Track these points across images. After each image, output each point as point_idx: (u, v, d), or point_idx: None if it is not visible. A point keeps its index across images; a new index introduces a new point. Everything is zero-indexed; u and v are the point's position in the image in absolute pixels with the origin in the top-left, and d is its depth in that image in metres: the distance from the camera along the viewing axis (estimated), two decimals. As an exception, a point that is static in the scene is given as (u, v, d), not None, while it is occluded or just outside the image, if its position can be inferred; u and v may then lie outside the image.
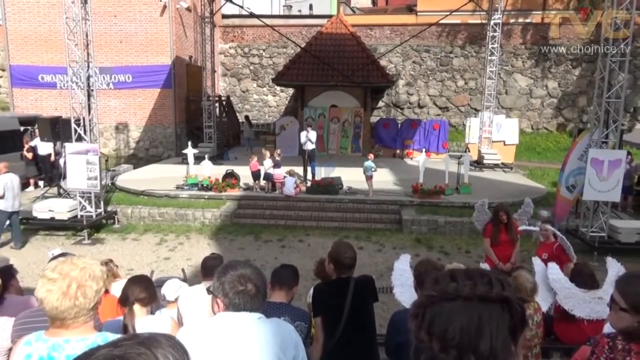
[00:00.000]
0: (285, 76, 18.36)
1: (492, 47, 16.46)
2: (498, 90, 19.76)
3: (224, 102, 21.07)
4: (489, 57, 16.62)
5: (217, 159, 16.71)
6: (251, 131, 20.09)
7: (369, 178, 11.81)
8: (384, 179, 13.51)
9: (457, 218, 10.81)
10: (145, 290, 3.19)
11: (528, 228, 6.07)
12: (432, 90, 23.04)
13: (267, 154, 12.49)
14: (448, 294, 0.94)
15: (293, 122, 18.88)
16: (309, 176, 13.20)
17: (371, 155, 12.08)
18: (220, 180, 12.41)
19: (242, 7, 24.39)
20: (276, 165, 12.11)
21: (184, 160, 15.12)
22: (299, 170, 13.28)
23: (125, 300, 3.08)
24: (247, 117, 20.96)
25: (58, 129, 11.99)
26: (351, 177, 13.05)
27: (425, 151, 14.12)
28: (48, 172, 13.83)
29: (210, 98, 17.84)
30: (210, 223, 11.15)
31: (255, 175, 12.41)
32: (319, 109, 18.95)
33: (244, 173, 12.99)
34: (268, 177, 12.34)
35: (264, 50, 24.09)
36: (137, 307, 3.08)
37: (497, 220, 6.02)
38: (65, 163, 10.75)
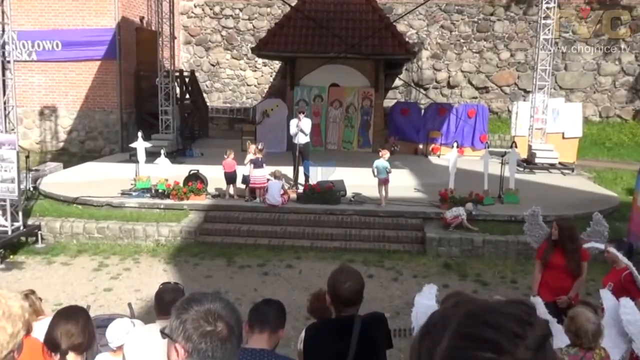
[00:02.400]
0: (270, 45, 18.38)
1: (547, 7, 16.54)
2: (555, 65, 19.85)
3: (187, 79, 21.08)
4: (543, 21, 16.69)
5: (177, 155, 16.70)
6: (179, 118, 19.60)
7: (382, 182, 11.83)
8: (401, 183, 13.52)
9: (499, 236, 10.82)
10: (81, 332, 3.14)
11: (595, 245, 6.07)
12: (466, 65, 23.12)
13: (252, 148, 12.49)
14: None
15: (280, 107, 18.89)
16: (301, 179, 13.20)
17: (384, 152, 12.10)
18: (182, 184, 12.40)
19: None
20: (256, 164, 12.11)
21: (132, 157, 15.07)
22: (288, 171, 13.27)
23: (55, 347, 3.05)
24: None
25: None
26: (357, 180, 13.02)
27: (457, 146, 14.15)
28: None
29: (169, 73, 17.83)
30: (167, 242, 11.13)
31: (230, 177, 12.41)
32: (314, 88, 18.99)
33: (213, 174, 12.93)
34: (245, 180, 12.33)
35: (240, 10, 24.15)
36: (70, 356, 3.05)
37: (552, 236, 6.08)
38: (-29, 160, 10.71)
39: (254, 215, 11.83)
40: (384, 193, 11.94)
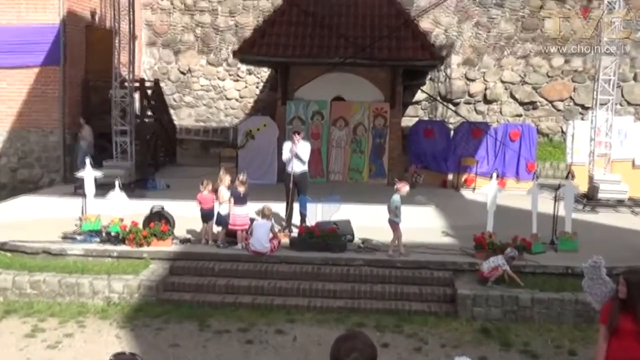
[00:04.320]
0: (257, 47, 18.53)
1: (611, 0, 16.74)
2: (622, 74, 19.99)
3: (150, 91, 21.22)
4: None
5: (136, 187, 16.75)
6: (91, 140, 18.98)
7: (395, 226, 11.83)
8: (426, 224, 13.54)
9: (553, 294, 10.76)
10: None
11: None
12: (507, 74, 23.29)
13: (226, 178, 12.53)
14: None
15: (268, 127, 18.97)
16: (296, 219, 13.21)
17: (403, 185, 12.12)
18: (141, 226, 12.41)
19: None
20: (238, 199, 12.14)
21: (77, 189, 15.09)
22: (279, 208, 13.27)
23: None
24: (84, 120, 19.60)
25: None
26: (369, 220, 13.05)
27: (498, 177, 14.19)
28: None
29: (127, 84, 17.95)
30: (121, 300, 11.06)
31: (207, 215, 12.44)
32: (313, 103, 19.10)
33: (182, 212, 12.97)
34: (223, 220, 12.33)
35: (219, 2, 24.40)
36: None
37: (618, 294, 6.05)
38: None
39: (234, 267, 11.79)
40: (396, 241, 11.93)
